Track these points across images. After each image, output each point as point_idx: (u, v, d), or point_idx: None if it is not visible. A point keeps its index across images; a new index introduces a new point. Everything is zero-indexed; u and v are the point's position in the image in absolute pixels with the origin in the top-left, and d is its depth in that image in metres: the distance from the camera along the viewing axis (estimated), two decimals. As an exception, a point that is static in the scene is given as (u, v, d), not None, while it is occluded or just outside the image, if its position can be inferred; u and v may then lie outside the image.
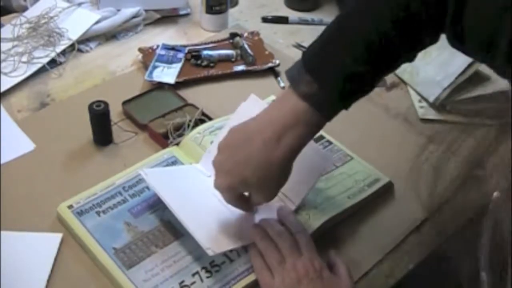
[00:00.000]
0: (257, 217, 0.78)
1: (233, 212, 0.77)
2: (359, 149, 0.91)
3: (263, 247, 0.73)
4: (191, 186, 0.82)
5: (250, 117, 0.77)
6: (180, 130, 0.93)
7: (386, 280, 0.77)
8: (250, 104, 0.83)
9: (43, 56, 1.08)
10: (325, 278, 0.70)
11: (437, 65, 1.05)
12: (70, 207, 0.79)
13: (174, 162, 0.87)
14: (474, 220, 0.75)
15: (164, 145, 0.90)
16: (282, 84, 1.07)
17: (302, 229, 0.75)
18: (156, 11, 1.23)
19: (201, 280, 0.72)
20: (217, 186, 0.73)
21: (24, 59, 1.07)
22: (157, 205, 0.80)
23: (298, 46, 1.20)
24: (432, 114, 1.03)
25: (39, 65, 1.07)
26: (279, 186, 0.72)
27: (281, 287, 0.69)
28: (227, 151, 0.71)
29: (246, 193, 0.74)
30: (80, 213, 0.78)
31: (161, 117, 0.95)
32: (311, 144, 0.80)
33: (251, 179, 0.69)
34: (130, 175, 0.84)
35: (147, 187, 0.82)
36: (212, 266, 0.73)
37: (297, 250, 0.72)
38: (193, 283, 0.72)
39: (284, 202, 0.79)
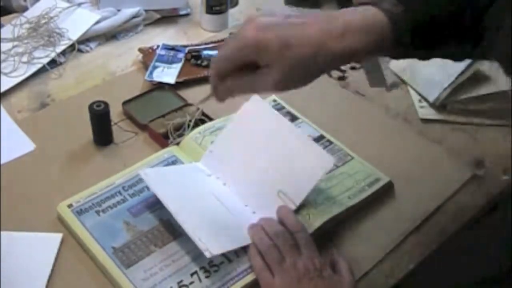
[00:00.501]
0: (256, 217, 0.78)
1: (233, 212, 0.78)
2: (360, 149, 0.91)
3: (262, 247, 0.73)
4: (191, 186, 0.82)
5: (253, 118, 0.77)
6: (180, 130, 0.93)
7: (386, 280, 0.76)
8: (253, 105, 0.84)
9: (43, 56, 1.08)
10: (326, 277, 0.70)
11: (437, 65, 1.05)
12: (69, 206, 0.79)
13: (175, 161, 0.87)
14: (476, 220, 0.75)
15: (164, 145, 0.90)
16: (282, 84, 1.07)
17: (302, 228, 0.75)
18: (156, 11, 1.23)
19: (200, 280, 0.72)
20: (241, 36, 0.60)
21: (24, 59, 1.07)
22: (156, 205, 0.79)
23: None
24: (432, 114, 1.03)
25: (39, 65, 1.07)
26: (301, 79, 0.62)
27: (282, 287, 0.69)
28: (275, 16, 0.60)
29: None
30: (79, 212, 0.78)
31: (161, 117, 0.95)
32: (312, 144, 0.81)
33: (286, 49, 0.58)
34: (130, 175, 0.84)
35: (147, 187, 0.82)
36: (211, 266, 0.73)
37: (297, 249, 0.72)
38: (191, 282, 0.72)
39: (285, 202, 0.79)
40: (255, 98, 0.84)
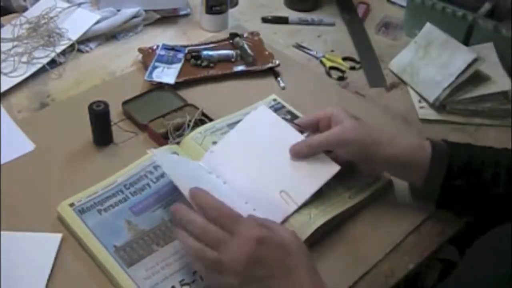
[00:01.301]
0: (257, 214, 0.77)
1: (232, 207, 0.77)
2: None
3: (197, 228, 0.67)
4: (194, 178, 0.81)
5: (259, 124, 0.85)
6: (180, 130, 0.93)
7: (386, 280, 0.77)
8: (261, 113, 0.87)
9: (43, 56, 1.08)
10: (275, 229, 0.67)
11: (437, 66, 1.05)
12: (71, 205, 0.79)
13: (176, 158, 0.87)
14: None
15: (164, 145, 0.90)
16: (282, 84, 1.07)
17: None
18: (156, 11, 1.23)
19: (201, 278, 0.72)
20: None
21: (24, 59, 1.07)
22: (157, 204, 0.80)
23: (298, 46, 1.20)
24: (432, 114, 1.03)
25: (39, 66, 1.07)
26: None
27: (234, 260, 0.64)
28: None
29: None
30: (81, 211, 0.78)
31: (161, 117, 0.95)
32: (319, 153, 0.82)
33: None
34: (131, 172, 0.84)
35: (148, 185, 0.82)
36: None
37: (237, 216, 0.68)
38: (193, 281, 0.72)
39: (286, 201, 0.79)
40: (263, 107, 0.88)
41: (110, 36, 1.18)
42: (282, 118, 0.95)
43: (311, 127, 0.84)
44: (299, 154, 0.81)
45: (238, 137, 0.86)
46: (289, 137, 0.83)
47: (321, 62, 1.16)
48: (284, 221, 0.78)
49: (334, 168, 0.80)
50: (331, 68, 1.14)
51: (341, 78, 1.11)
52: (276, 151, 0.83)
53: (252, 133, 0.86)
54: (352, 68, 1.14)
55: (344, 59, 1.16)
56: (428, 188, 0.79)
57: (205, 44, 1.15)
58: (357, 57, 1.17)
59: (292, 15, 1.30)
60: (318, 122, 0.83)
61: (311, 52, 1.18)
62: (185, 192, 0.73)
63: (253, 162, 0.83)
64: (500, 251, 0.57)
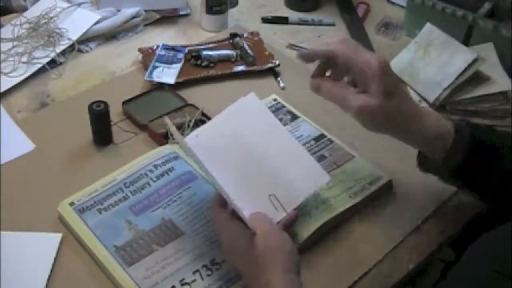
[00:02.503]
0: (245, 214, 0.74)
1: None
2: (360, 148, 0.91)
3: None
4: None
5: (248, 114, 0.80)
6: (180, 130, 0.93)
7: (386, 280, 0.77)
8: (250, 102, 0.82)
9: (43, 56, 1.08)
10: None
11: (437, 66, 1.05)
12: (71, 204, 0.79)
13: (176, 157, 0.87)
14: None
15: (164, 145, 0.90)
16: (282, 84, 1.07)
17: None
18: (156, 11, 1.23)
19: (202, 278, 0.72)
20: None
21: (24, 59, 1.07)
22: (157, 203, 0.80)
23: (291, 46, 1.20)
24: (432, 114, 1.03)
25: (39, 65, 1.07)
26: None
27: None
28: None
29: None
30: (81, 211, 0.78)
31: (161, 117, 0.94)
32: (310, 158, 0.80)
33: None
34: (131, 171, 0.84)
35: (148, 184, 0.82)
36: (213, 264, 0.73)
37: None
38: (193, 281, 0.72)
39: (275, 207, 0.76)
40: (252, 95, 0.82)
41: (110, 36, 1.18)
42: (281, 118, 0.95)
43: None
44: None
45: (225, 123, 0.81)
46: (277, 132, 0.80)
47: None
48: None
49: (323, 178, 0.78)
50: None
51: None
52: (265, 147, 0.79)
53: (240, 121, 0.81)
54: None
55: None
56: (450, 156, 0.74)
57: (205, 44, 1.15)
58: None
59: (292, 15, 1.30)
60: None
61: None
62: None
63: (239, 157, 0.78)
64: (498, 251, 0.57)
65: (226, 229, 0.71)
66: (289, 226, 0.75)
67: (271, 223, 0.71)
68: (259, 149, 0.79)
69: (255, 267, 0.66)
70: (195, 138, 0.80)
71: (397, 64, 1.13)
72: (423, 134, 0.74)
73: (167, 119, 0.79)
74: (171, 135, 0.91)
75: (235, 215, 0.70)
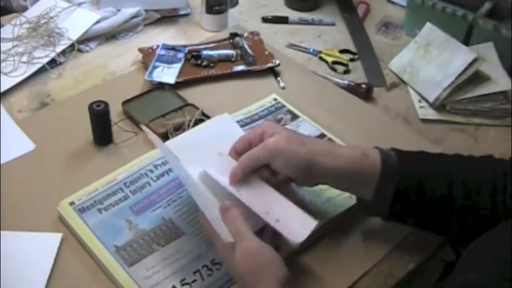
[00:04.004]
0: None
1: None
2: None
3: None
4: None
5: (218, 136, 0.80)
6: (180, 130, 0.93)
7: (386, 280, 0.77)
8: (221, 123, 0.83)
9: (43, 56, 1.08)
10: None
11: (437, 65, 1.06)
12: (71, 203, 0.79)
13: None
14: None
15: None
16: (282, 84, 1.07)
17: None
18: (156, 11, 1.23)
19: (202, 278, 0.72)
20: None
21: (24, 59, 1.07)
22: (158, 203, 0.80)
23: (291, 45, 1.20)
24: (432, 114, 1.03)
25: (39, 65, 1.07)
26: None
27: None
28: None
29: None
30: (81, 210, 0.78)
31: (161, 117, 0.95)
32: (293, 207, 0.73)
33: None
34: (131, 170, 0.84)
35: (148, 184, 0.83)
36: (213, 264, 0.73)
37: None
38: (194, 281, 0.72)
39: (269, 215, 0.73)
40: (225, 117, 0.84)
41: (110, 36, 1.18)
42: (282, 118, 0.95)
43: (246, 150, 0.75)
44: (236, 180, 0.74)
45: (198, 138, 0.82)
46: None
47: (321, 58, 1.16)
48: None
49: (312, 225, 0.71)
50: (334, 63, 1.14)
51: (346, 72, 1.12)
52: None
53: (219, 141, 0.79)
54: (352, 60, 1.15)
55: (341, 52, 1.17)
56: (377, 203, 0.74)
57: (205, 44, 1.15)
58: (352, 49, 1.19)
59: (292, 15, 1.30)
60: (250, 143, 0.76)
61: (308, 50, 1.18)
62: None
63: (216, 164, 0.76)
64: (498, 251, 0.57)
65: (214, 240, 0.70)
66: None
67: (253, 237, 0.68)
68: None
69: (245, 283, 0.66)
70: (174, 141, 0.81)
71: (397, 63, 1.13)
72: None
73: (144, 127, 0.81)
74: (171, 134, 0.91)
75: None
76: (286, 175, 0.74)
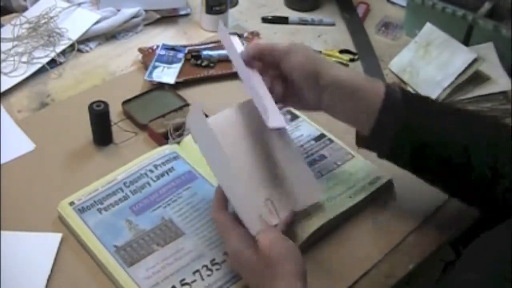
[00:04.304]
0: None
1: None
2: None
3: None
4: None
5: (248, 115, 0.77)
6: (180, 130, 0.93)
7: (386, 280, 0.77)
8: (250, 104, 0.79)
9: (43, 56, 1.08)
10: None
11: (437, 65, 1.05)
12: (71, 203, 0.79)
13: (176, 157, 0.87)
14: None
15: (164, 145, 0.90)
16: (282, 84, 1.07)
17: None
18: (156, 11, 1.23)
19: (202, 278, 0.72)
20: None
21: (24, 59, 1.07)
22: (158, 203, 0.80)
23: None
24: (432, 114, 1.03)
25: (39, 65, 1.07)
26: None
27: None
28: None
29: None
30: (81, 210, 0.78)
31: (161, 117, 0.95)
32: (309, 173, 0.77)
33: None
34: (131, 170, 0.84)
35: (148, 184, 0.83)
36: (213, 264, 0.73)
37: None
38: (193, 281, 0.72)
39: (270, 212, 0.73)
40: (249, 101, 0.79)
41: (110, 36, 1.18)
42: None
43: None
44: (245, 53, 0.77)
45: (237, 116, 0.79)
46: (282, 137, 0.76)
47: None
48: None
49: (319, 196, 0.77)
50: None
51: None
52: (271, 149, 0.77)
53: (239, 121, 0.78)
54: (352, 60, 1.15)
55: (341, 52, 1.17)
56: (376, 136, 0.74)
57: (205, 44, 1.15)
58: (352, 50, 1.19)
59: (292, 15, 1.30)
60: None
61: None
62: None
63: (247, 149, 0.76)
64: (498, 251, 0.57)
65: (229, 234, 0.70)
66: (289, 225, 0.74)
67: (274, 229, 0.70)
68: (265, 149, 0.77)
69: (261, 277, 0.66)
70: (214, 119, 0.79)
71: (397, 64, 1.13)
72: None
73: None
74: (171, 134, 0.91)
75: (237, 217, 0.70)
76: (293, 81, 0.75)
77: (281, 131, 0.76)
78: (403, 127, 0.73)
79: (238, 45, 0.82)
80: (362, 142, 0.79)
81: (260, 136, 0.77)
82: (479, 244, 0.61)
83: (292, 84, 0.76)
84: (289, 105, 0.84)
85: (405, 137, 0.73)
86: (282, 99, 0.79)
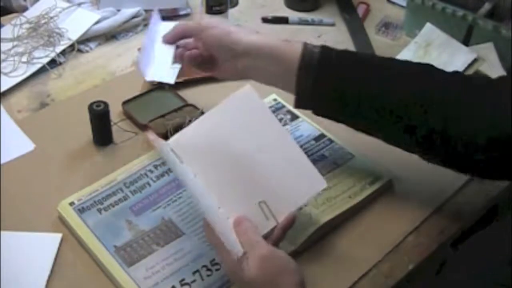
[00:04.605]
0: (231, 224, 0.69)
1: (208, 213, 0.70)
2: (360, 147, 0.91)
3: None
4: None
5: (241, 110, 0.73)
6: (180, 130, 0.92)
7: (386, 280, 0.77)
8: (245, 96, 0.73)
9: (43, 56, 1.08)
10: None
11: (437, 65, 1.05)
12: (71, 204, 0.79)
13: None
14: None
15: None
16: (282, 84, 1.07)
17: None
18: (156, 11, 1.23)
19: (202, 278, 0.72)
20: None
21: (24, 59, 1.07)
22: (158, 203, 0.80)
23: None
24: (432, 114, 1.03)
25: (39, 65, 1.07)
26: None
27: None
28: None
29: None
30: (81, 210, 0.78)
31: (161, 117, 0.95)
32: (307, 162, 0.72)
33: None
34: (131, 171, 0.84)
35: (148, 184, 0.83)
36: (213, 264, 0.73)
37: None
38: (193, 281, 0.72)
39: (266, 216, 0.70)
40: (248, 89, 0.74)
41: (110, 36, 1.18)
42: (281, 118, 0.95)
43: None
44: (172, 37, 0.85)
45: (215, 120, 0.72)
46: (273, 134, 0.72)
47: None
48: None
49: (320, 185, 0.72)
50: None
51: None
52: (257, 149, 0.71)
53: (232, 117, 0.72)
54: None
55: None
56: (300, 95, 0.77)
57: (205, 44, 1.15)
58: (352, 50, 1.18)
59: (292, 15, 1.30)
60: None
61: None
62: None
63: (230, 157, 0.71)
64: (487, 253, 0.57)
65: (220, 250, 0.66)
66: (287, 229, 0.70)
67: (260, 245, 0.65)
68: (251, 151, 0.71)
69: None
70: (178, 138, 0.73)
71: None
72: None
73: (149, 134, 0.80)
74: (171, 134, 0.91)
75: None
76: (213, 54, 0.82)
77: (271, 125, 0.72)
78: (322, 82, 0.75)
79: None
80: (296, 103, 0.80)
81: (234, 143, 0.71)
82: (469, 245, 0.61)
83: (215, 57, 0.83)
84: (215, 75, 0.89)
85: (324, 92, 0.75)
86: (208, 69, 0.87)
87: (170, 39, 0.86)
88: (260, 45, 0.78)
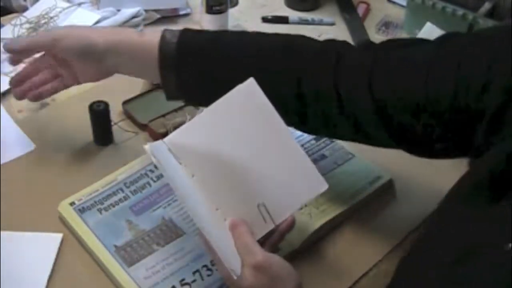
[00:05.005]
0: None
1: (203, 215, 0.68)
2: (360, 147, 0.90)
3: None
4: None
5: (242, 107, 0.68)
6: (180, 130, 0.93)
7: (386, 280, 0.76)
8: (246, 93, 0.67)
9: (43, 56, 1.08)
10: None
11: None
12: (72, 204, 0.79)
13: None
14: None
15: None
16: (282, 84, 1.07)
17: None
18: (156, 11, 1.23)
19: (202, 278, 0.72)
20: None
21: (24, 59, 1.07)
22: (158, 203, 0.80)
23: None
24: (432, 114, 1.03)
25: (39, 65, 1.07)
26: None
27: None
28: None
29: None
30: (81, 210, 0.78)
31: (161, 117, 0.95)
32: (308, 163, 0.68)
33: None
34: (131, 171, 0.84)
35: (149, 184, 0.83)
36: (213, 264, 0.73)
37: None
38: (193, 281, 0.72)
39: (264, 219, 0.68)
40: (251, 82, 0.67)
41: (110, 36, 1.18)
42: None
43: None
44: (10, 50, 0.80)
45: (214, 117, 0.69)
46: (274, 133, 0.67)
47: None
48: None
49: (321, 187, 0.68)
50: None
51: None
52: (257, 148, 0.68)
53: (232, 114, 0.68)
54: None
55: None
56: (166, 88, 0.77)
57: (205, 44, 1.15)
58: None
59: (292, 15, 1.30)
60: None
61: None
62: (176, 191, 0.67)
63: (228, 155, 0.68)
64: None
65: (217, 262, 0.65)
66: (286, 233, 0.70)
67: (257, 250, 0.63)
68: (251, 150, 0.68)
69: None
70: (175, 136, 0.70)
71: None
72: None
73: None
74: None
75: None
76: (72, 62, 0.79)
77: (273, 121, 0.67)
78: (185, 72, 0.74)
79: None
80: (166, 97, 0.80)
81: (234, 142, 0.68)
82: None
83: (74, 65, 0.80)
84: (80, 81, 0.85)
85: (190, 81, 0.75)
86: (71, 81, 0.83)
87: (17, 56, 0.82)
88: (117, 43, 0.76)
